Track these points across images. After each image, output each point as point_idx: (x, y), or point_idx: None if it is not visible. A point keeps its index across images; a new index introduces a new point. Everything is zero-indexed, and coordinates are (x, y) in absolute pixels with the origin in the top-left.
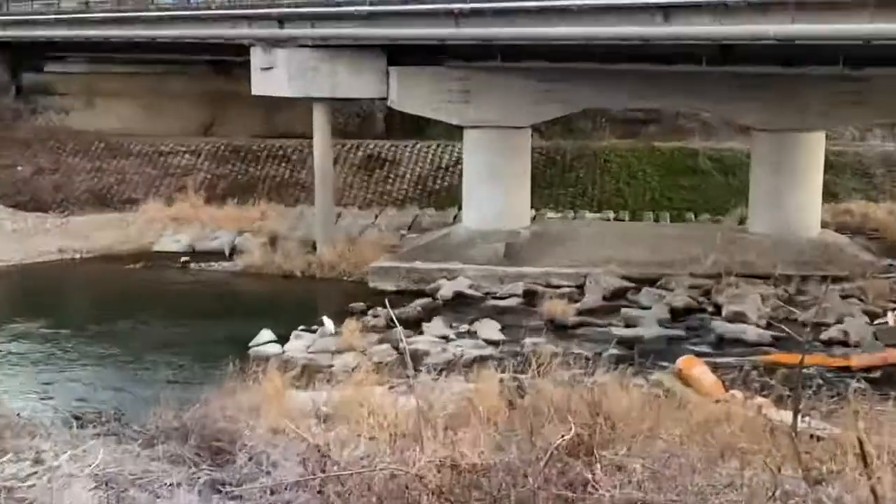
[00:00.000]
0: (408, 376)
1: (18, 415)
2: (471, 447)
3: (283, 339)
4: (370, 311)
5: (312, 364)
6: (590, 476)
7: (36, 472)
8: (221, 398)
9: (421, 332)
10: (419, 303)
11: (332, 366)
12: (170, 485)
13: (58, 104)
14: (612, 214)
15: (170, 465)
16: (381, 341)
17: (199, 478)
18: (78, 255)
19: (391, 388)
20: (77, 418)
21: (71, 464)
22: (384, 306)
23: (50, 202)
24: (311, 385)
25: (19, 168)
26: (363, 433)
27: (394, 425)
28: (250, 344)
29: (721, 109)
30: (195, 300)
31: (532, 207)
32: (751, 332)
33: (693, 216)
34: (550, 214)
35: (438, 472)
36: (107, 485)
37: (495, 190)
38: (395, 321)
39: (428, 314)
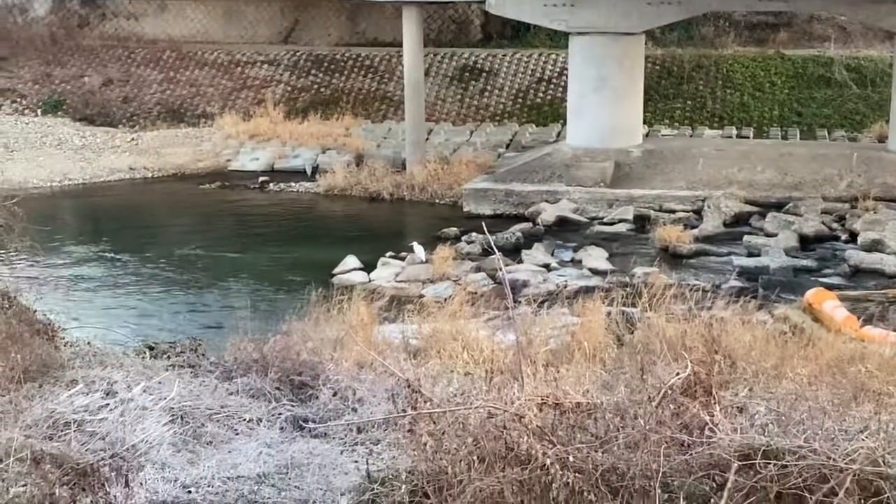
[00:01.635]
0: (506, 308)
1: (88, 343)
2: (575, 386)
3: (369, 267)
4: (464, 237)
5: (401, 294)
6: (707, 418)
7: (108, 405)
8: (303, 329)
9: (520, 261)
10: (518, 228)
11: (422, 296)
12: (249, 420)
13: (127, 9)
14: (734, 131)
15: (249, 399)
16: (476, 270)
17: (280, 413)
18: (149, 174)
19: (487, 320)
20: (150, 348)
21: (145, 396)
22: (479, 231)
23: (119, 116)
24: (400, 316)
25: (86, 79)
26: (456, 369)
27: (490, 361)
28: (334, 271)
29: (860, 12)
30: (274, 223)
31: (644, 123)
32: (890, 263)
33: (826, 133)
34: (665, 131)
35: (540, 411)
36: (182, 419)
37: (604, 104)
38: (493, 247)
39: (527, 241)
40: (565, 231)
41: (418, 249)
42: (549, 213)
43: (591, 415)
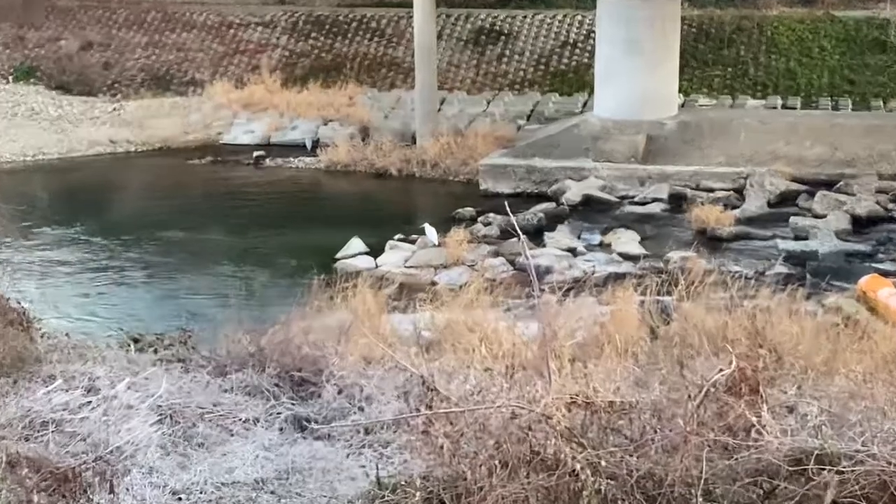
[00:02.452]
0: (528, 296)
1: (67, 335)
2: (606, 383)
3: (375, 251)
4: (481, 218)
5: (411, 281)
6: (754, 419)
7: (89, 403)
8: (304, 320)
9: (542, 244)
10: (540, 208)
11: (434, 283)
12: (245, 420)
13: None
14: (779, 101)
15: (245, 397)
16: (494, 254)
17: (279, 413)
18: (132, 148)
19: (507, 310)
20: (136, 340)
21: (130, 393)
22: (497, 212)
23: (99, 84)
24: (411, 306)
25: (63, 42)
26: (474, 364)
27: (511, 355)
28: (337, 255)
29: None
30: (270, 203)
31: (680, 92)
32: None
33: (882, 103)
34: (703, 101)
35: (568, 411)
36: (171, 418)
37: (635, 70)
38: (516, 229)
39: (551, 222)
40: (593, 211)
41: (430, 232)
42: (574, 192)
43: (624, 415)
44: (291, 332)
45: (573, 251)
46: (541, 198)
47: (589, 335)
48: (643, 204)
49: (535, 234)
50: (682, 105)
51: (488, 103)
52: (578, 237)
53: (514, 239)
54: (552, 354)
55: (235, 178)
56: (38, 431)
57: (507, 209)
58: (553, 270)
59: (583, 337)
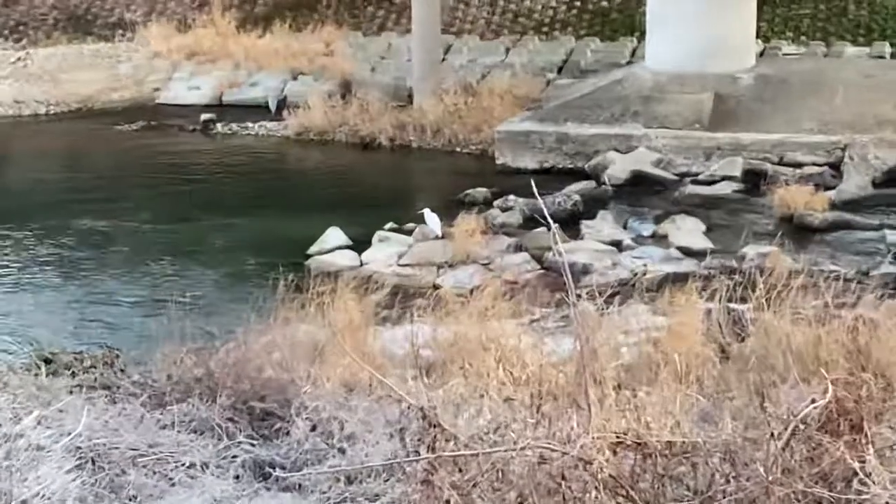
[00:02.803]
0: (561, 304)
1: None
2: (662, 417)
3: (360, 244)
4: (497, 202)
5: (407, 283)
6: (856, 465)
7: None
8: (267, 334)
9: (579, 236)
10: (575, 189)
11: (437, 286)
12: (190, 465)
13: None
14: (887, 49)
15: (190, 435)
16: (515, 249)
17: (234, 456)
18: (42, 109)
19: (533, 321)
20: (47, 361)
21: (39, 430)
22: (520, 193)
23: (0, 26)
24: (406, 316)
25: None
26: (490, 392)
27: (538, 380)
28: (310, 250)
29: None
30: (222, 181)
31: (758, 37)
32: None
33: None
34: (788, 48)
35: (613, 454)
36: (94, 463)
37: (699, 9)
38: (544, 215)
39: (589, 207)
40: (643, 193)
41: (431, 219)
42: (620, 168)
43: (686, 460)
44: (250, 350)
45: (618, 245)
46: (576, 175)
47: (639, 354)
48: (710, 183)
49: (569, 223)
50: (762, 54)
51: (507, 51)
52: (625, 226)
53: (542, 229)
54: (591, 380)
55: (177, 150)
56: None
57: (533, 190)
58: (592, 270)
59: (631, 357)
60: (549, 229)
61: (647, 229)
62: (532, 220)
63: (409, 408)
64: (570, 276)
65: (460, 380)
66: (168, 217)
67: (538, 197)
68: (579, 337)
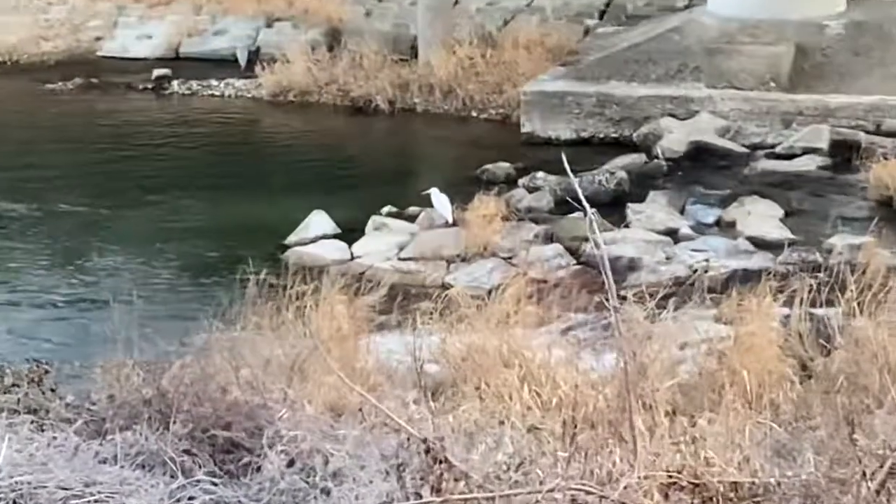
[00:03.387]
0: (601, 308)
1: None
2: (726, 451)
3: (350, 233)
4: (523, 180)
5: (409, 281)
6: None
7: None
8: (233, 346)
9: (624, 223)
10: (621, 164)
11: (448, 285)
12: None
13: None
14: None
15: (137, 471)
16: (544, 238)
17: (192, 497)
18: None
19: (567, 330)
20: None
21: None
22: (551, 169)
23: None
24: (408, 322)
25: None
26: (512, 418)
27: (572, 404)
28: (288, 240)
29: None
30: (179, 153)
31: None
32: None
33: None
34: None
35: (665, 497)
36: None
37: None
38: (580, 198)
39: (638, 186)
40: (706, 169)
41: (440, 202)
42: (676, 138)
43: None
44: (212, 365)
45: (674, 234)
46: (621, 147)
47: (699, 371)
48: (789, 157)
49: (613, 206)
50: None
51: None
52: (682, 211)
53: (578, 214)
54: (638, 404)
55: (124, 114)
56: None
57: (566, 166)
58: (641, 265)
59: (689, 375)
60: (585, 215)
61: (709, 215)
62: (566, 204)
63: (409, 439)
64: (610, 273)
65: (475, 403)
66: (112, 198)
67: (571, 175)
68: (623, 350)
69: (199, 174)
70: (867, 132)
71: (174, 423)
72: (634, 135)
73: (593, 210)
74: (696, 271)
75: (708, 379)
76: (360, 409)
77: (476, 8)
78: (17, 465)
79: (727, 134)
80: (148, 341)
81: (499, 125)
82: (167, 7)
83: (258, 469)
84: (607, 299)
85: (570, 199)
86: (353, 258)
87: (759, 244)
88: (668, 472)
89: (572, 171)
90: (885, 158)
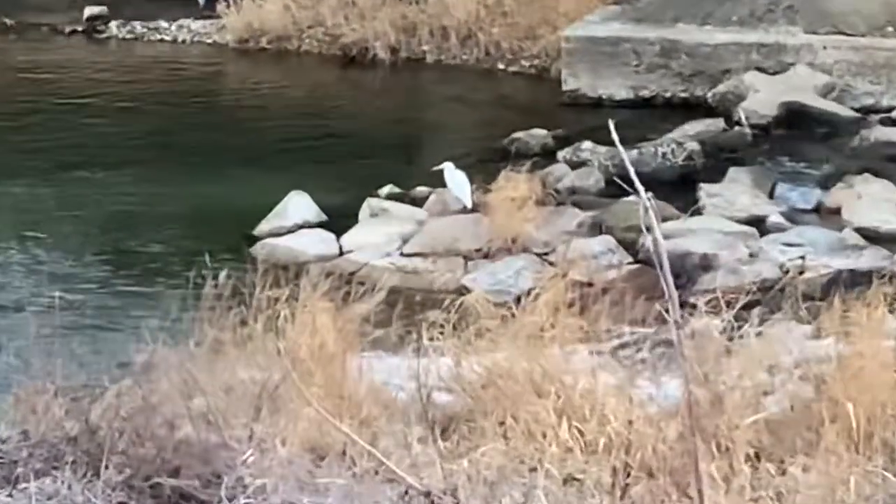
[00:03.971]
0: (661, 320)
1: None
2: None
3: (339, 219)
4: (563, 152)
5: (414, 284)
6: None
7: None
8: (183, 369)
9: (696, 208)
10: (692, 131)
11: (465, 290)
12: None
13: None
14: None
15: None
16: (591, 229)
17: None
18: None
19: (618, 349)
20: None
21: None
22: (599, 139)
23: None
24: (411, 338)
25: None
26: (546, 464)
27: (625, 446)
28: (258, 229)
29: None
30: (120, 116)
31: None
32: None
33: None
34: None
35: None
36: None
37: None
38: (632, 177)
39: (714, 161)
40: (802, 140)
41: (456, 180)
42: (764, 98)
43: None
44: (158, 393)
45: (760, 223)
46: (692, 110)
47: (792, 404)
48: None
49: (681, 187)
50: None
51: None
52: (771, 194)
53: (631, 197)
54: (711, 446)
55: (47, 65)
56: None
57: (613, 133)
58: (717, 264)
59: (779, 408)
60: (638, 196)
61: (806, 199)
62: (618, 184)
63: (408, 491)
64: (670, 275)
65: (497, 444)
66: (29, 174)
67: (620, 146)
68: (688, 376)
69: (142, 143)
70: None
71: (106, 467)
72: (709, 94)
73: (649, 195)
74: (788, 272)
75: (803, 413)
76: (345, 452)
77: None
78: None
79: (831, 93)
80: (74, 361)
81: (532, 81)
82: None
83: None
84: (667, 308)
85: (622, 180)
86: (341, 253)
87: (872, 237)
88: None
89: (629, 141)
90: None
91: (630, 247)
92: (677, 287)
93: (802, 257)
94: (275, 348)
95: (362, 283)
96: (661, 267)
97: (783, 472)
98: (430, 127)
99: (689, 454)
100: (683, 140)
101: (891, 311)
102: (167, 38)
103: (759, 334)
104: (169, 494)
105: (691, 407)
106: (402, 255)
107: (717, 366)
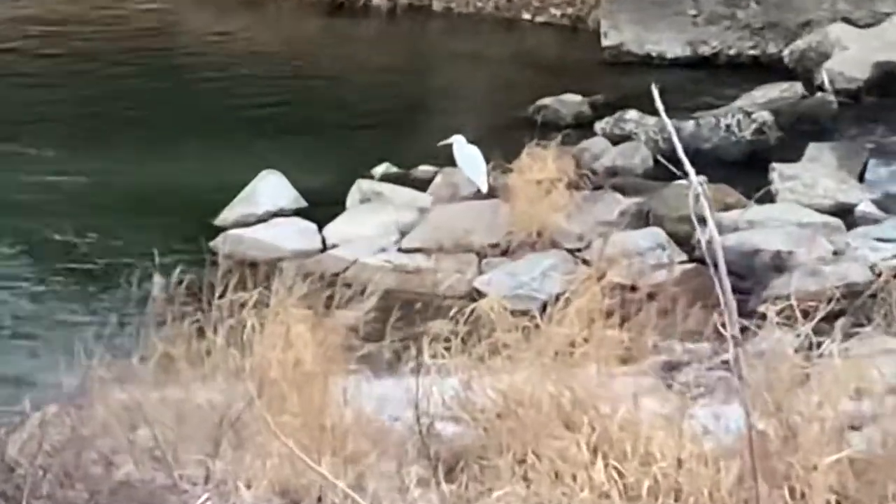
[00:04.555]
0: (719, 335)
1: None
2: None
3: (321, 206)
4: (601, 123)
5: (414, 287)
6: None
7: None
8: (126, 389)
9: (767, 194)
10: (762, 99)
11: (477, 294)
12: None
13: None
14: None
15: None
16: (636, 219)
17: None
18: None
19: (668, 370)
20: None
21: None
22: (645, 106)
23: None
24: (409, 354)
25: None
26: None
27: (674, 490)
28: (222, 217)
29: None
30: (47, 76)
31: None
32: None
33: None
34: None
35: None
36: None
37: None
38: (680, 156)
39: (791, 136)
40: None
41: (468, 158)
42: (853, 57)
43: None
44: (92, 423)
45: (847, 213)
46: (764, 71)
47: (883, 439)
48: None
49: (749, 168)
50: None
51: None
52: (861, 177)
53: (682, 181)
54: (784, 490)
55: None
56: None
57: (657, 100)
58: (792, 264)
59: (867, 443)
60: (687, 181)
61: None
62: (672, 163)
63: None
64: (725, 276)
65: (517, 487)
66: None
67: (664, 116)
68: (749, 405)
69: (79, 112)
70: None
71: None
72: (785, 52)
73: (702, 178)
74: (881, 275)
75: None
76: (321, 498)
77: None
78: None
79: None
80: None
81: (565, 34)
82: None
83: None
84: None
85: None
86: (324, 248)
87: None
88: None
89: (683, 110)
90: None
91: (684, 242)
92: (742, 293)
93: None
94: (239, 366)
95: (349, 286)
96: (716, 267)
97: None
98: (436, 91)
99: (751, 502)
100: (752, 109)
101: None
102: None
103: (843, 352)
104: None
105: (753, 443)
106: (399, 250)
107: (791, 392)
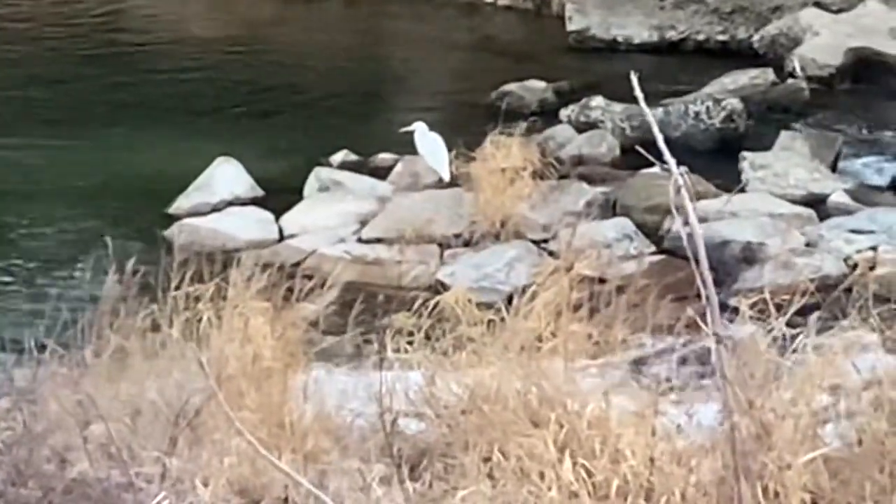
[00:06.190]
0: (696, 329)
1: None
2: None
3: (278, 194)
4: (566, 110)
5: (375, 279)
6: None
7: None
8: (78, 384)
9: (738, 183)
10: (732, 86)
11: (441, 287)
12: None
13: None
14: None
15: None
16: (602, 207)
17: None
18: None
19: (637, 365)
20: None
21: None
22: (614, 93)
23: None
24: (371, 348)
25: None
26: None
27: (644, 490)
28: (176, 206)
29: None
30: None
31: None
32: None
33: None
34: None
35: None
36: None
37: None
38: (659, 147)
39: (762, 123)
40: (875, 96)
41: (429, 146)
42: (825, 43)
43: None
44: (44, 419)
45: (820, 203)
46: (733, 57)
47: (859, 437)
48: None
49: (719, 156)
50: None
51: None
52: (834, 166)
53: (654, 169)
54: (757, 490)
55: None
56: None
57: (635, 86)
58: (764, 256)
59: (843, 440)
60: (665, 170)
61: (879, 173)
62: (640, 152)
63: None
64: (707, 273)
65: (482, 485)
66: None
67: (643, 101)
68: (729, 401)
69: (25, 99)
70: None
71: None
72: (756, 38)
73: (683, 169)
74: (855, 267)
75: (873, 450)
76: (287, 498)
77: None
78: None
79: None
80: None
81: (528, 18)
82: None
83: None
84: (704, 315)
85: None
86: (282, 238)
87: None
88: None
89: (651, 96)
90: None
91: (652, 233)
92: (718, 285)
93: (874, 248)
94: (195, 361)
95: (309, 277)
96: (698, 262)
97: None
98: (395, 77)
99: (729, 501)
100: (722, 96)
101: None
102: None
103: (817, 347)
104: None
105: (732, 440)
106: (359, 241)
107: (765, 388)
